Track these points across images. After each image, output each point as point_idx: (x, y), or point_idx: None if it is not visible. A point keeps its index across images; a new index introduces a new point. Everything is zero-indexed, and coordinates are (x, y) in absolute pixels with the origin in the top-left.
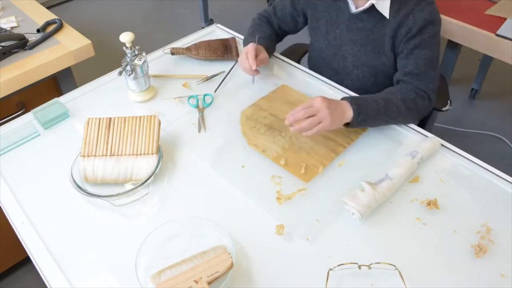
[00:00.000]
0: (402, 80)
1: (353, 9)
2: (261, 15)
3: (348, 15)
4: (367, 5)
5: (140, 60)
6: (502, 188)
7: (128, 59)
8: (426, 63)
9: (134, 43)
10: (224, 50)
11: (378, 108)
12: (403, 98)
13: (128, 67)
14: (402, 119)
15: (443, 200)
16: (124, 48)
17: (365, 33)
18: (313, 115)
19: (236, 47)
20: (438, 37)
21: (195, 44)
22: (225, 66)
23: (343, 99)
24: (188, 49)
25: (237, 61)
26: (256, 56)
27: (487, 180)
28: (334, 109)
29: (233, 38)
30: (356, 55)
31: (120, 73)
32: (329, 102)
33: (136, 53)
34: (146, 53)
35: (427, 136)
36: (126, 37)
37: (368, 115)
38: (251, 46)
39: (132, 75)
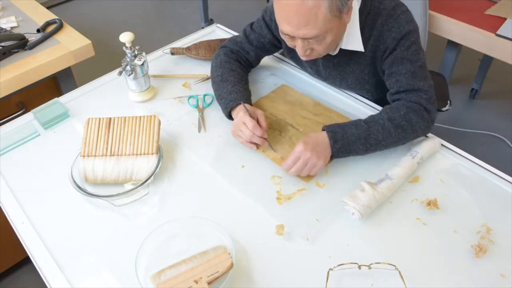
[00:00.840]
0: (394, 100)
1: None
2: (227, 50)
3: None
4: (336, 51)
5: (140, 60)
6: (502, 188)
7: (128, 59)
8: (409, 76)
9: (134, 43)
10: None
11: (358, 132)
12: (390, 117)
13: (128, 67)
14: (395, 139)
15: (443, 200)
16: (124, 48)
17: (342, 68)
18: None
19: None
20: (416, 45)
21: (195, 44)
22: None
23: (323, 128)
24: (188, 49)
25: None
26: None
27: (487, 180)
28: (318, 149)
29: None
30: (339, 85)
31: (120, 73)
32: (311, 145)
33: (136, 53)
34: (146, 53)
35: (427, 136)
36: (126, 37)
37: (347, 141)
38: (246, 117)
39: (132, 75)
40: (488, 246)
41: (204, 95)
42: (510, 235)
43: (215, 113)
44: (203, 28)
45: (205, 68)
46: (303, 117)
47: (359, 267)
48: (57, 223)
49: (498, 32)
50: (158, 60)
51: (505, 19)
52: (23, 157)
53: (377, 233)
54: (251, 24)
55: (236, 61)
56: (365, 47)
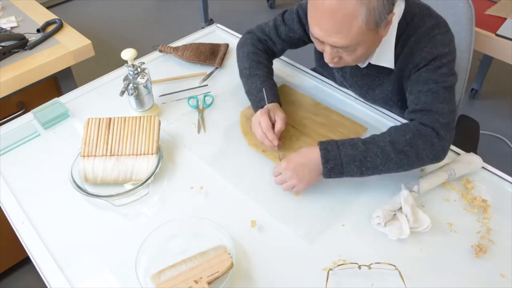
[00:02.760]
0: (409, 120)
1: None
2: (253, 38)
3: None
4: (365, 64)
5: (143, 78)
6: (502, 188)
7: (131, 77)
8: (430, 95)
9: (134, 45)
10: (209, 56)
11: (353, 153)
12: (393, 140)
13: (131, 86)
14: (395, 165)
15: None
16: (125, 66)
17: (370, 79)
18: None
19: (224, 54)
20: (447, 68)
21: (184, 45)
22: (207, 70)
23: (318, 143)
24: (176, 49)
25: (216, 68)
26: (272, 124)
27: (487, 180)
28: (302, 169)
29: (226, 45)
30: (365, 96)
31: (122, 93)
32: (294, 164)
33: (139, 70)
34: (146, 54)
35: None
36: (128, 54)
37: (339, 161)
38: (263, 117)
39: (135, 94)
40: (488, 246)
41: (204, 96)
42: (510, 235)
43: (215, 113)
44: (203, 28)
45: (205, 68)
46: (303, 117)
47: (359, 267)
48: (57, 223)
49: (498, 32)
50: (158, 60)
51: (505, 19)
52: (23, 157)
53: (377, 233)
54: (283, 14)
55: (264, 52)
56: (395, 64)
